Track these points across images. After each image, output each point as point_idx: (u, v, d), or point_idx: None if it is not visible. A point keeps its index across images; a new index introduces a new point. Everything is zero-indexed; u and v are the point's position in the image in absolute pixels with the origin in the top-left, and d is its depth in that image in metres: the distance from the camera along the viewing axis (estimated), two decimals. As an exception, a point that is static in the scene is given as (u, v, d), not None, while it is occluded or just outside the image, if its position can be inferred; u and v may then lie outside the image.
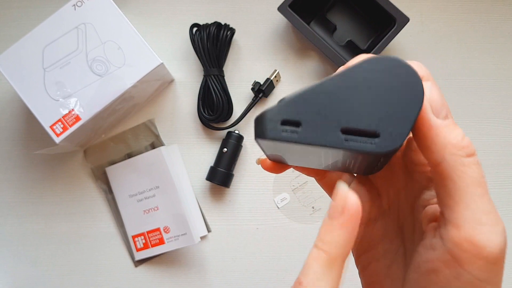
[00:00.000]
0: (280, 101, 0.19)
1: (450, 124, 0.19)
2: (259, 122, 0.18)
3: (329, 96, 0.18)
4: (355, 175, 0.26)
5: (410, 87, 0.17)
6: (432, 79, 0.20)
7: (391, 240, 0.24)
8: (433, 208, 0.22)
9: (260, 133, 0.18)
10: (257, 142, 0.19)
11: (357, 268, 0.26)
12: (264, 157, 0.24)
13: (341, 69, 0.19)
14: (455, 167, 0.19)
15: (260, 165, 0.25)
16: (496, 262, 0.18)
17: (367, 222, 0.25)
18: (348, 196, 0.18)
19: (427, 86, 0.19)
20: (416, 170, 0.23)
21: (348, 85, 0.18)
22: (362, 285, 0.26)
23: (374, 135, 0.17)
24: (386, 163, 0.22)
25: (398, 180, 0.24)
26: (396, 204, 0.25)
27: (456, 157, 0.19)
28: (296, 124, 0.18)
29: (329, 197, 0.27)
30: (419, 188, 0.23)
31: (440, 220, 0.20)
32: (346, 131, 0.18)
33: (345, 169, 0.24)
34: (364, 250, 0.25)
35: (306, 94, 0.18)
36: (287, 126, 0.18)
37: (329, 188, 0.27)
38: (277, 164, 0.24)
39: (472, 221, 0.18)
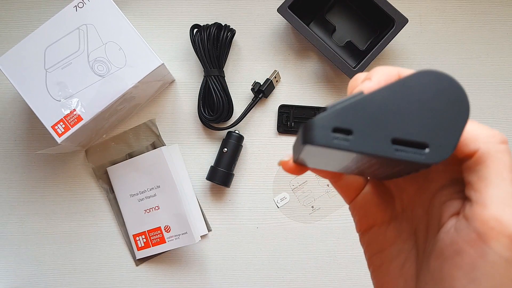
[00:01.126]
0: (327, 108, 0.19)
1: (475, 122, 0.21)
2: (309, 128, 0.18)
3: (380, 106, 0.18)
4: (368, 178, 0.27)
5: (457, 101, 0.18)
6: None
7: (404, 241, 0.25)
8: (455, 202, 0.22)
9: (309, 139, 0.18)
10: (303, 147, 0.19)
11: (369, 269, 0.26)
12: (286, 159, 0.25)
13: (391, 80, 0.20)
14: (490, 153, 0.20)
15: (281, 166, 0.25)
16: None
17: (381, 224, 0.26)
18: None
19: None
20: (433, 170, 0.23)
21: (398, 97, 0.18)
22: (374, 286, 0.26)
23: (423, 146, 0.18)
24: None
25: (411, 184, 0.25)
26: (410, 207, 0.25)
27: (490, 144, 0.20)
28: (347, 132, 0.18)
29: (343, 200, 0.28)
30: (435, 188, 0.23)
31: (465, 206, 0.21)
32: (396, 142, 0.18)
33: (363, 172, 0.24)
34: (376, 251, 0.25)
35: (357, 104, 0.18)
36: (338, 134, 0.18)
37: (344, 191, 0.27)
38: (299, 167, 0.25)
39: (500, 202, 0.19)
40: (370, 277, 0.26)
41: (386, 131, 0.18)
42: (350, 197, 0.27)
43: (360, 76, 0.22)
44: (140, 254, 0.54)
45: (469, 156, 0.20)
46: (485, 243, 0.19)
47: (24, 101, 0.48)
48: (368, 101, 0.18)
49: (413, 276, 0.23)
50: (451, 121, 0.18)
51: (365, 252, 0.26)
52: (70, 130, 0.48)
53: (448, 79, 0.18)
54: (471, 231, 0.19)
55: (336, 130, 0.18)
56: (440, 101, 0.18)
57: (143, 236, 0.54)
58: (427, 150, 0.18)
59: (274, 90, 0.56)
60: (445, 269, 0.21)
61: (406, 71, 0.21)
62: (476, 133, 0.20)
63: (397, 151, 0.18)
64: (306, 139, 0.18)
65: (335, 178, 0.27)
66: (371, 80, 0.21)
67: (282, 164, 0.25)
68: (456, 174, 0.22)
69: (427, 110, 0.18)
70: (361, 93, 0.19)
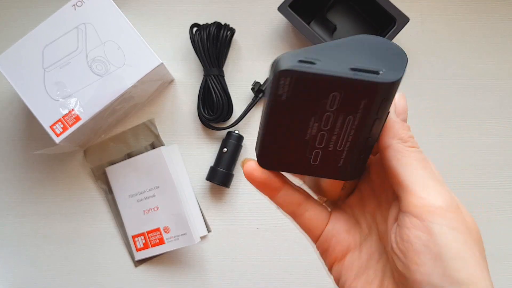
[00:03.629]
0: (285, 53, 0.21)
1: (405, 125, 0.23)
2: (277, 61, 0.21)
3: (339, 48, 0.22)
4: (330, 211, 0.28)
5: (398, 53, 0.22)
6: (403, 94, 0.25)
7: (377, 261, 0.25)
8: (396, 205, 0.24)
9: (277, 67, 0.20)
10: (272, 82, 0.21)
11: None
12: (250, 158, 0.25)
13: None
14: (398, 150, 0.22)
15: (242, 167, 0.26)
16: (451, 210, 0.21)
17: (354, 249, 0.26)
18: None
19: (398, 95, 0.24)
20: (383, 189, 0.25)
21: (354, 42, 0.22)
22: None
23: (377, 73, 0.20)
24: (365, 162, 0.25)
25: (370, 203, 0.26)
26: (374, 226, 0.26)
27: (400, 145, 0.23)
28: (311, 63, 0.20)
29: (309, 239, 0.28)
30: (388, 198, 0.25)
31: (400, 204, 0.23)
32: (354, 70, 0.20)
33: (332, 173, 0.24)
34: (355, 276, 0.26)
35: (318, 46, 0.22)
36: (303, 64, 0.20)
37: (306, 228, 0.28)
38: (262, 169, 0.25)
39: (421, 184, 0.22)
40: None
41: (345, 62, 0.21)
42: (316, 233, 0.28)
43: None
44: (139, 255, 0.54)
45: (383, 148, 0.23)
46: (425, 220, 0.21)
47: (22, 100, 0.48)
48: (328, 44, 0.22)
49: None
50: (396, 62, 0.21)
51: (345, 281, 0.26)
52: (68, 130, 0.48)
53: (391, 43, 0.22)
54: (411, 217, 0.21)
55: (301, 62, 0.20)
56: (387, 50, 0.22)
57: (142, 237, 0.54)
58: (381, 72, 0.20)
59: (274, 90, 0.56)
60: (408, 263, 0.21)
61: None
62: (395, 131, 0.23)
63: (355, 74, 0.20)
64: (274, 69, 0.20)
65: (297, 213, 0.27)
66: None
67: (244, 163, 0.26)
68: None
69: (377, 52, 0.21)
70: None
